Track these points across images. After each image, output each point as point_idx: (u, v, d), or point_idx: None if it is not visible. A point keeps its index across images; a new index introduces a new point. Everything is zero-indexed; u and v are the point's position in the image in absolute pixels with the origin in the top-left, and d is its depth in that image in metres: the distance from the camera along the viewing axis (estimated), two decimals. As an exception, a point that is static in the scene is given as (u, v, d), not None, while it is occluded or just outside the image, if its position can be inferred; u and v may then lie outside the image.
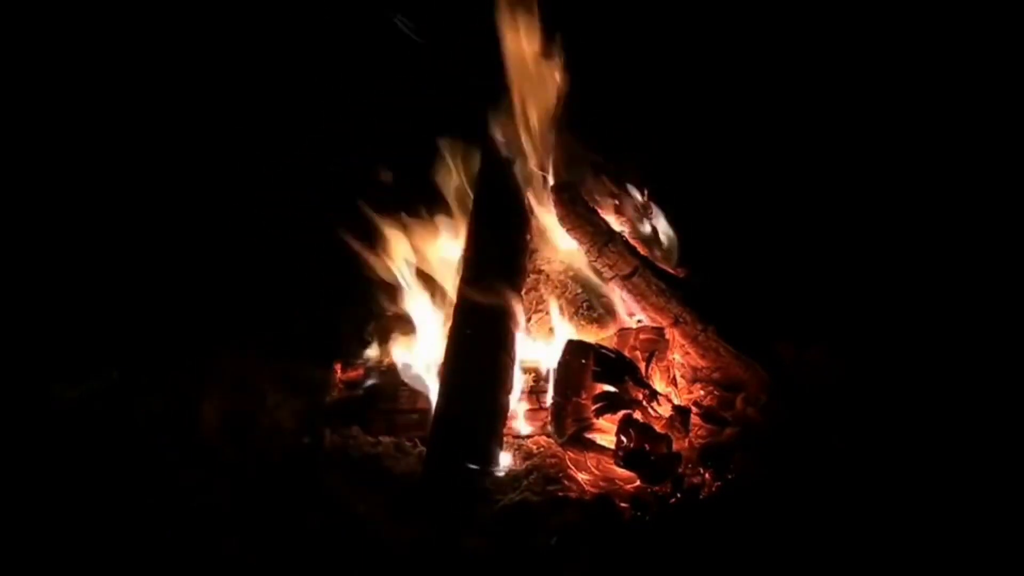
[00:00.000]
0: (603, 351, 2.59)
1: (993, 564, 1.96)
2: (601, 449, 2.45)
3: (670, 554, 2.06)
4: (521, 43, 2.98)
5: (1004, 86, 3.92)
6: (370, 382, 2.86)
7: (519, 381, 2.71)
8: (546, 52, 3.01)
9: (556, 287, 3.02)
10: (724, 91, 4.19)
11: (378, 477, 2.43)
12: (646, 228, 3.20)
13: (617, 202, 3.20)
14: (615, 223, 3.10)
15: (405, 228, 3.07)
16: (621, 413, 2.45)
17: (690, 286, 2.89)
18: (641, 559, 2.04)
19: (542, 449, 2.57)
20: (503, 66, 3.00)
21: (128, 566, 2.06)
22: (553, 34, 3.00)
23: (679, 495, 2.25)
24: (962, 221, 3.55)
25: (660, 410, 2.51)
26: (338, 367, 2.97)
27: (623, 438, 2.35)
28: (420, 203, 3.13)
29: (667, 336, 2.79)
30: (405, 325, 3.00)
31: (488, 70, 3.03)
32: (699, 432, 2.58)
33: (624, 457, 2.32)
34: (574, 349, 2.60)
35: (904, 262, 3.38)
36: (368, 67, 4.18)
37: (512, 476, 2.42)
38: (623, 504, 2.24)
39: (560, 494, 2.30)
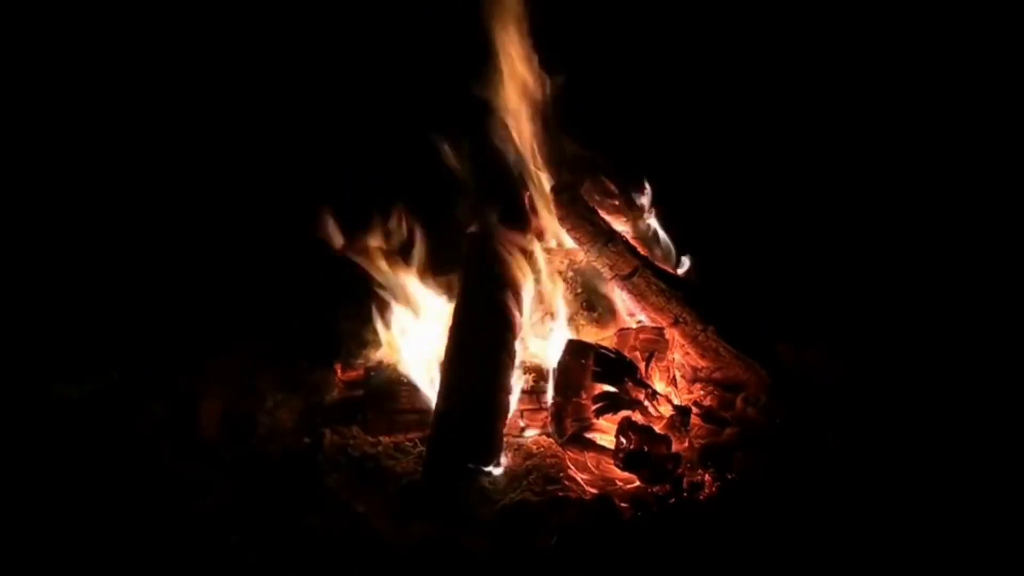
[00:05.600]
0: (603, 351, 2.59)
1: (992, 563, 1.96)
2: (601, 449, 2.45)
3: (670, 554, 2.06)
4: (517, 43, 2.98)
5: (1004, 86, 3.92)
6: (370, 382, 2.86)
7: (519, 381, 2.71)
8: (543, 51, 3.01)
9: (556, 286, 3.02)
10: (725, 91, 4.20)
11: (378, 477, 2.43)
12: (646, 228, 3.20)
13: (617, 202, 3.20)
14: (615, 223, 3.10)
15: (405, 227, 3.07)
16: (621, 414, 2.46)
17: (690, 286, 2.89)
18: (641, 559, 2.04)
19: (542, 449, 2.57)
20: (501, 66, 3.00)
21: (129, 566, 2.06)
22: (551, 33, 3.00)
23: (679, 495, 2.25)
24: (961, 222, 3.55)
25: (660, 410, 2.51)
26: (338, 367, 2.98)
27: (623, 440, 2.35)
28: (420, 202, 3.12)
29: (667, 336, 2.79)
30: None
31: (486, 70, 3.03)
32: (699, 432, 2.58)
33: (624, 459, 2.32)
34: (574, 349, 2.60)
35: (903, 263, 3.38)
36: (366, 70, 4.19)
37: (512, 476, 2.42)
38: (623, 504, 2.24)
39: (560, 494, 2.30)
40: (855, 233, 3.60)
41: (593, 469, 2.41)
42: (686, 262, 3.15)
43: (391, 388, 2.78)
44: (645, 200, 3.24)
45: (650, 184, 3.24)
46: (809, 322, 2.95)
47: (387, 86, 4.15)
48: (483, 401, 2.49)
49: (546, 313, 2.94)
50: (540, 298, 2.97)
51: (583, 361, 2.55)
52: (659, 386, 2.65)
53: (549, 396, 2.65)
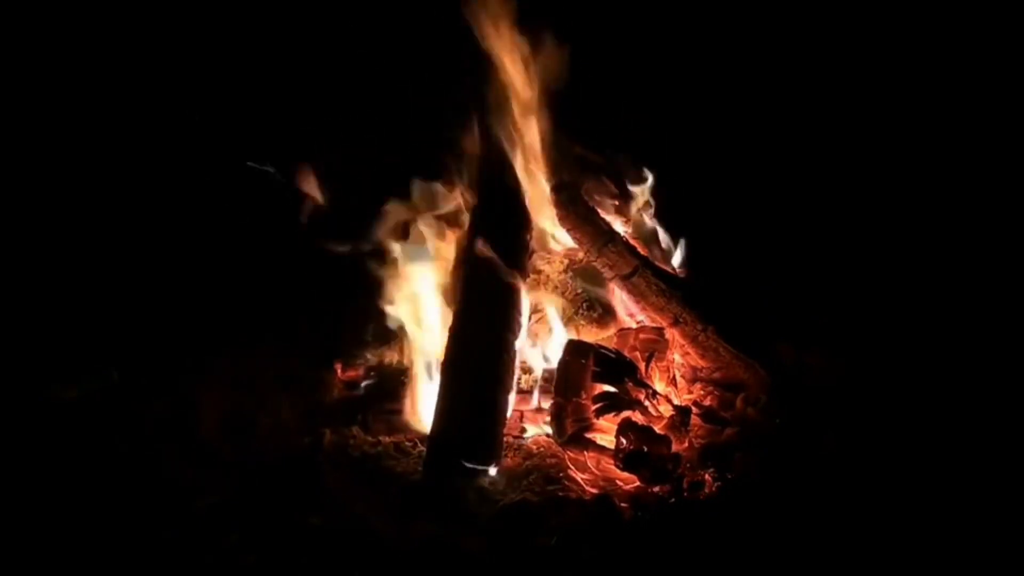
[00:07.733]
0: (603, 351, 2.59)
1: (992, 564, 1.96)
2: (601, 449, 2.45)
3: (670, 554, 2.06)
4: (517, 43, 2.98)
5: (1004, 86, 3.93)
6: (370, 382, 2.86)
7: (519, 381, 2.71)
8: (543, 51, 3.01)
9: (556, 287, 3.02)
10: (725, 91, 4.20)
11: (378, 477, 2.43)
12: (646, 228, 3.20)
13: (617, 202, 3.20)
14: (615, 223, 3.10)
15: (405, 228, 3.07)
16: (621, 414, 2.45)
17: (690, 286, 2.89)
18: (641, 559, 2.04)
19: (542, 449, 2.57)
20: (500, 65, 3.00)
21: (129, 566, 2.06)
22: (550, 33, 3.00)
23: (679, 495, 2.25)
24: (961, 222, 3.55)
25: (660, 410, 2.51)
26: (338, 367, 2.98)
27: (623, 440, 2.35)
28: (421, 203, 3.12)
29: (667, 336, 2.79)
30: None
31: (486, 70, 3.02)
32: (699, 432, 2.58)
33: (624, 459, 2.32)
34: (574, 349, 2.60)
35: (904, 264, 3.38)
36: (366, 70, 4.19)
37: (512, 476, 2.42)
38: (623, 504, 2.24)
39: (560, 494, 2.30)
40: (855, 234, 3.60)
41: (593, 469, 2.41)
42: (680, 254, 3.14)
43: (391, 388, 2.78)
44: (645, 199, 3.24)
45: (651, 181, 3.24)
46: (809, 322, 2.95)
47: (388, 86, 4.15)
48: (483, 401, 2.49)
49: (546, 313, 2.94)
50: (540, 298, 2.97)
51: (583, 361, 2.55)
52: (659, 386, 2.65)
53: (549, 396, 2.64)
